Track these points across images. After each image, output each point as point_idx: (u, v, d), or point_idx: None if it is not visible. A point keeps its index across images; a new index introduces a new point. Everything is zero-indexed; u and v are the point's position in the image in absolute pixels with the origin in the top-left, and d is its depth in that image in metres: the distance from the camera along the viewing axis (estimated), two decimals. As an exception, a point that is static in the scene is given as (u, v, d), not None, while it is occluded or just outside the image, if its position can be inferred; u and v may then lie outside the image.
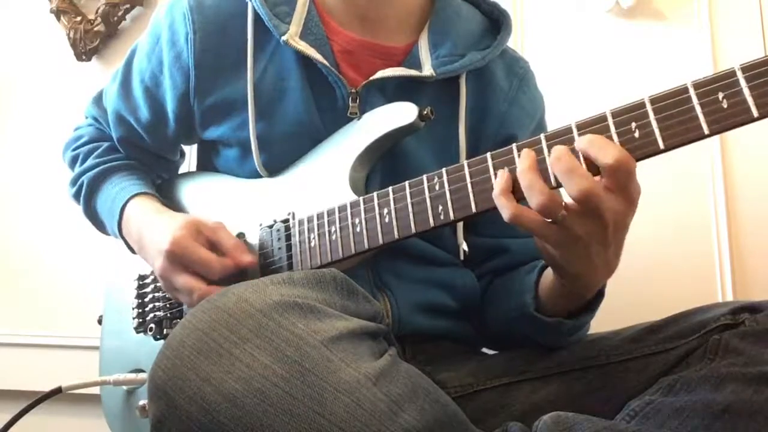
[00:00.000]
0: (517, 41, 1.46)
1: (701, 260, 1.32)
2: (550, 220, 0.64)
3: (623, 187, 0.62)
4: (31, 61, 1.71)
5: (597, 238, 0.64)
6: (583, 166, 0.63)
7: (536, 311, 0.79)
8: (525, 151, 0.66)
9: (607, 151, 0.61)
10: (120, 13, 1.64)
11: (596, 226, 0.63)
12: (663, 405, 0.64)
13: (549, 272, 0.79)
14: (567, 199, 0.64)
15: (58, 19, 1.66)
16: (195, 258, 0.81)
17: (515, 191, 0.66)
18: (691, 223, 1.34)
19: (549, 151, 0.65)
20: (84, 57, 1.65)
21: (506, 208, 0.65)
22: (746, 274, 1.30)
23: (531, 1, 1.50)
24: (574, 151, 0.63)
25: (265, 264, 0.85)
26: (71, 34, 1.64)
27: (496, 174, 0.68)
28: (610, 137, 0.63)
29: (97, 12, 1.64)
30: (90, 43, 1.64)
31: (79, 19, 1.65)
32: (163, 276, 0.84)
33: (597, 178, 0.63)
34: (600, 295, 0.77)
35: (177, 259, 0.82)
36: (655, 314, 0.79)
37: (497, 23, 0.96)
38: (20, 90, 1.70)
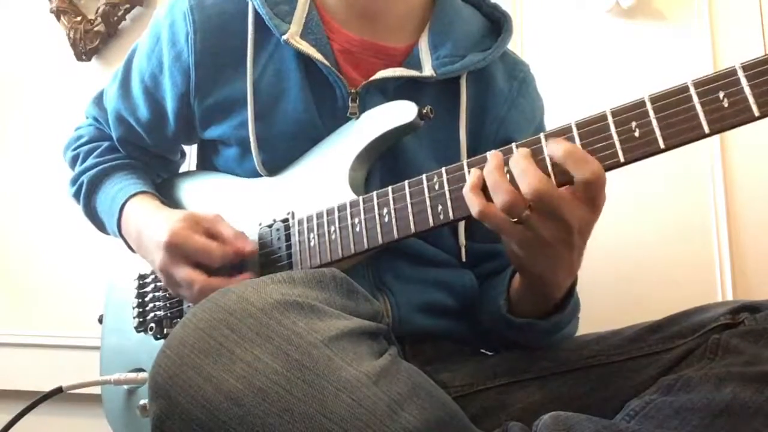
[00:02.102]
0: (516, 41, 1.46)
1: (701, 260, 1.32)
2: (515, 220, 0.65)
3: (593, 198, 0.64)
4: (31, 61, 1.71)
5: (562, 241, 0.66)
6: (551, 173, 0.65)
7: (508, 312, 0.80)
8: (493, 152, 0.68)
9: (585, 166, 0.63)
10: (120, 13, 1.64)
11: (561, 229, 0.65)
12: (663, 405, 0.64)
13: (516, 275, 0.80)
14: None
15: (58, 19, 1.66)
16: (195, 247, 0.81)
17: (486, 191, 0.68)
18: (691, 223, 1.34)
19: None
20: (84, 57, 1.65)
21: (475, 205, 0.67)
22: (746, 274, 1.31)
23: (531, 1, 1.50)
24: (543, 161, 0.66)
25: (265, 263, 0.85)
26: (71, 34, 1.64)
27: None
28: (609, 136, 0.64)
29: (97, 12, 1.64)
30: (90, 43, 1.64)
31: (79, 19, 1.65)
32: (163, 270, 0.84)
33: (565, 187, 0.65)
34: (570, 295, 0.78)
35: (176, 250, 0.82)
36: (655, 314, 0.79)
37: (498, 25, 0.96)
38: (20, 90, 1.71)
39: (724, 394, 0.62)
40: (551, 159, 0.66)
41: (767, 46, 1.36)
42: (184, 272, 0.81)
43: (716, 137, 1.34)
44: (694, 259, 1.32)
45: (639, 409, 0.65)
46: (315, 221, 0.81)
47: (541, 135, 0.67)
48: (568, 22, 1.47)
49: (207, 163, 1.00)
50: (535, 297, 0.78)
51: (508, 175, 0.67)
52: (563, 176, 0.65)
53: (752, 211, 1.33)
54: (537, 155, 0.67)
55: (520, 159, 0.66)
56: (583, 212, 0.65)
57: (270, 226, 0.86)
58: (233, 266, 0.83)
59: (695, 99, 0.60)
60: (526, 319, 0.79)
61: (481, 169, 0.69)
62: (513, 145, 0.69)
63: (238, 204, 0.92)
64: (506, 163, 0.68)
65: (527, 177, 0.64)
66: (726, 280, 1.31)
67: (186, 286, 0.82)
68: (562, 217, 0.64)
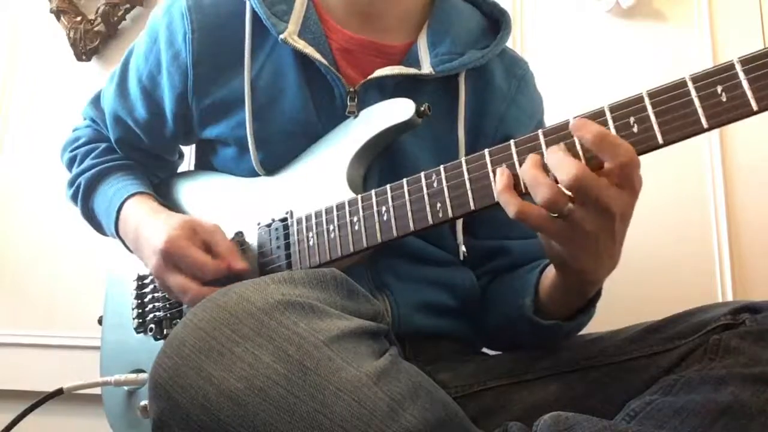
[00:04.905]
0: (516, 41, 1.46)
1: (701, 260, 1.32)
2: (555, 215, 0.63)
3: (632, 181, 0.62)
4: (31, 61, 1.71)
5: (605, 231, 0.64)
6: (583, 159, 0.63)
7: (534, 314, 0.79)
8: (531, 155, 0.66)
9: (618, 149, 0.61)
10: (120, 13, 1.64)
11: (605, 219, 0.63)
12: (663, 405, 0.64)
13: (549, 272, 0.78)
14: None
15: (58, 19, 1.66)
16: (188, 259, 0.81)
17: (517, 189, 0.66)
18: (691, 223, 1.34)
19: (547, 148, 0.65)
20: (84, 57, 1.65)
21: (511, 204, 0.64)
22: (746, 274, 1.31)
23: (531, 1, 1.50)
24: (573, 147, 0.64)
25: (264, 263, 0.85)
26: (71, 34, 1.64)
27: (494, 171, 0.68)
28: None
29: (97, 12, 1.63)
30: (90, 43, 1.63)
31: (79, 19, 1.65)
32: (157, 275, 0.84)
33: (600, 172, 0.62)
34: (597, 293, 0.77)
35: (171, 258, 0.82)
36: (655, 314, 0.79)
37: (497, 23, 0.96)
38: (20, 90, 1.70)
39: (725, 395, 0.61)
40: (582, 145, 0.63)
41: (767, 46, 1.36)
42: (177, 280, 0.82)
43: (716, 137, 1.35)
44: (694, 259, 1.32)
45: (639, 409, 0.65)
46: (314, 220, 0.81)
47: (539, 132, 0.67)
48: (568, 22, 1.47)
49: (205, 163, 1.00)
50: (570, 296, 0.76)
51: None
52: (594, 161, 0.63)
53: (752, 211, 1.33)
54: (536, 150, 0.66)
55: (554, 150, 0.63)
56: (624, 197, 0.62)
57: (268, 226, 0.86)
58: (227, 276, 0.82)
59: (693, 93, 0.60)
60: (555, 322, 0.77)
61: (509, 167, 0.67)
62: (511, 142, 0.68)
63: (236, 204, 0.92)
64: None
65: (564, 166, 0.61)
66: (726, 280, 1.31)
67: (179, 293, 0.82)
68: (603, 205, 0.62)
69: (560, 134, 0.65)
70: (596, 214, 0.62)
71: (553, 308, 0.78)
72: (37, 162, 1.63)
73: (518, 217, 0.64)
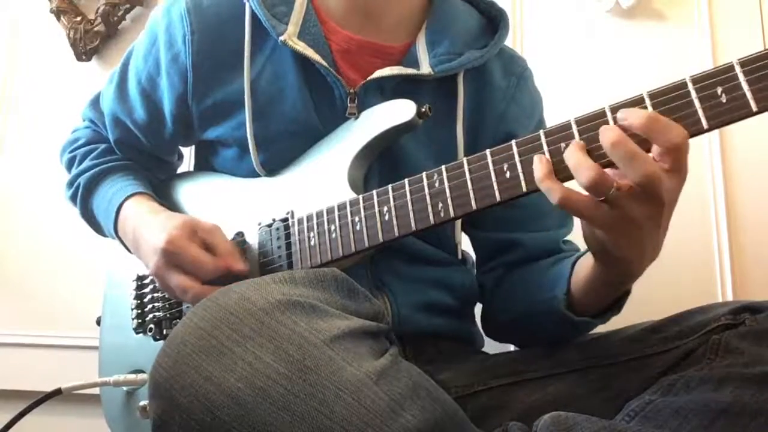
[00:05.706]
0: (516, 41, 1.46)
1: (701, 260, 1.32)
2: (601, 200, 0.61)
3: (681, 166, 0.61)
4: (31, 61, 1.71)
5: (650, 218, 0.62)
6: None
7: (567, 308, 0.77)
8: (575, 141, 0.64)
9: (672, 132, 0.59)
10: (120, 13, 1.64)
11: (654, 207, 0.61)
12: (663, 405, 0.64)
13: (582, 267, 0.76)
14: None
15: (58, 19, 1.66)
16: (189, 257, 0.81)
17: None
18: (691, 223, 1.34)
19: (549, 148, 0.65)
20: (84, 57, 1.65)
21: (554, 191, 0.62)
22: (746, 274, 1.30)
23: (530, 1, 1.50)
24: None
25: (265, 263, 0.85)
26: (71, 34, 1.64)
27: (496, 171, 0.68)
28: None
29: (97, 12, 1.63)
30: (90, 43, 1.63)
31: (79, 19, 1.65)
32: (157, 274, 0.84)
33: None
34: (626, 291, 0.76)
35: (171, 257, 0.81)
36: (655, 314, 0.79)
37: (495, 22, 0.96)
38: (20, 90, 1.70)
39: (725, 395, 0.62)
40: (629, 129, 0.60)
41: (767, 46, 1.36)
42: (178, 279, 0.81)
43: (716, 137, 1.35)
44: (694, 259, 1.32)
45: (639, 409, 0.65)
46: (315, 220, 0.81)
47: (541, 132, 0.67)
48: (568, 22, 1.47)
49: (205, 164, 1.00)
50: (605, 289, 0.74)
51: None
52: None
53: (752, 211, 1.33)
54: (538, 150, 0.66)
55: (621, 141, 0.60)
56: (674, 184, 0.61)
57: (269, 226, 0.86)
58: (226, 276, 0.82)
59: (693, 95, 0.60)
60: (585, 319, 0.76)
61: (552, 152, 0.65)
62: (512, 142, 0.68)
63: (237, 204, 0.92)
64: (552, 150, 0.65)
65: (637, 162, 0.59)
66: (726, 280, 1.31)
67: (180, 292, 0.82)
68: (659, 196, 0.60)
69: (561, 134, 0.65)
70: (647, 203, 0.61)
71: (583, 304, 0.77)
72: (37, 162, 1.63)
73: (561, 203, 0.62)
